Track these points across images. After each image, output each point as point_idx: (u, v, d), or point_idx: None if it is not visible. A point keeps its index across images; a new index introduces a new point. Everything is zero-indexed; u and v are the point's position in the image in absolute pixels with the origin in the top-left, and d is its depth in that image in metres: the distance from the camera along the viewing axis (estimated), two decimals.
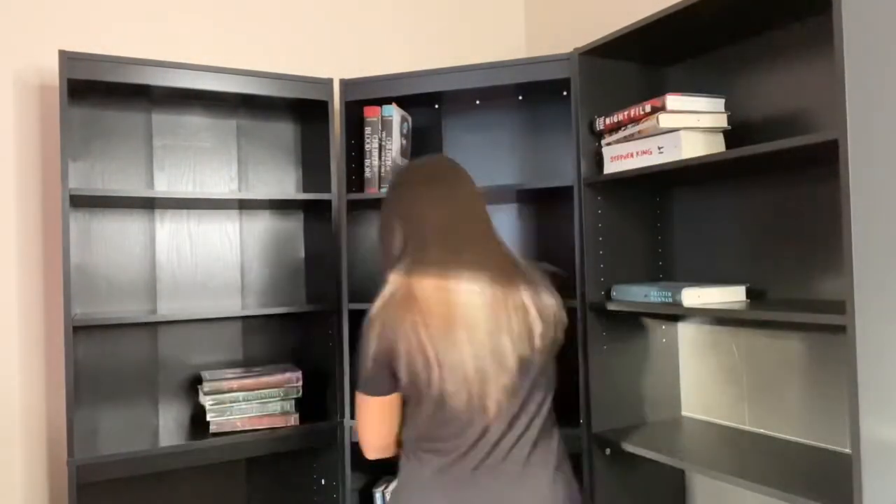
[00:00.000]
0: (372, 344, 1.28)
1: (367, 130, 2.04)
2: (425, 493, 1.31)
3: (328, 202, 2.02)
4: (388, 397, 1.32)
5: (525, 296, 1.30)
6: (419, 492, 1.32)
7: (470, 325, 1.24)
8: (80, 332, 1.85)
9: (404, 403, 1.34)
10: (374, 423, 1.35)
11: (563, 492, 1.33)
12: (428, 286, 1.26)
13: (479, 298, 1.25)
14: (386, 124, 2.01)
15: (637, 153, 1.67)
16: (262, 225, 2.19)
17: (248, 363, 2.11)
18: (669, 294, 1.56)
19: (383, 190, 2.01)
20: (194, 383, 2.05)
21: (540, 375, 1.34)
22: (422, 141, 2.19)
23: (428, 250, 1.29)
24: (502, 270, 1.30)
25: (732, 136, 1.62)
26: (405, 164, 1.45)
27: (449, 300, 1.25)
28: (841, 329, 1.17)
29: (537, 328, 1.30)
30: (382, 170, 2.01)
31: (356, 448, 2.01)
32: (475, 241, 1.31)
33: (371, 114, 2.04)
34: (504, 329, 1.26)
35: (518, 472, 1.30)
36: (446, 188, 1.34)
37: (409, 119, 2.12)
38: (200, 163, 2.11)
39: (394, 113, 2.01)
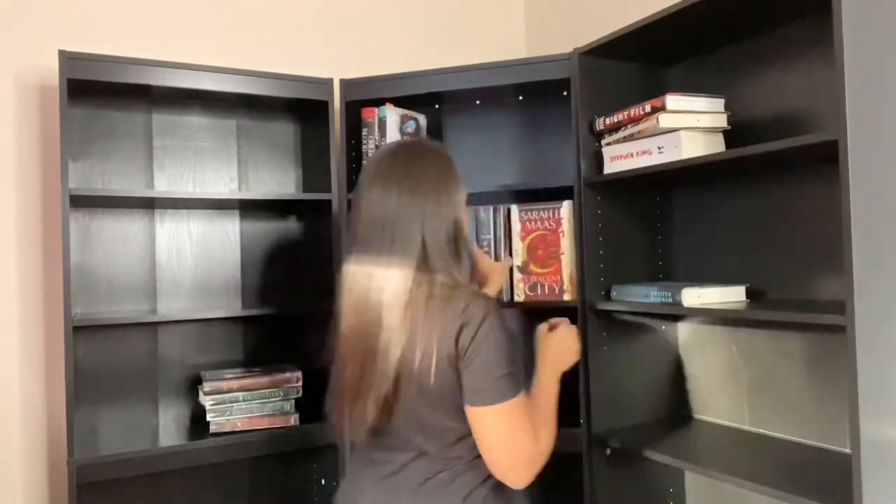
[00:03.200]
0: None
1: (364, 131, 2.04)
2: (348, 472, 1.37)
3: (328, 202, 2.02)
4: None
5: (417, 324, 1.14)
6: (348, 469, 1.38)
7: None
8: (80, 332, 1.85)
9: None
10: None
11: None
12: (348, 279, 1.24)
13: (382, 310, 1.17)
14: (381, 125, 2.01)
15: (637, 153, 1.67)
16: (261, 225, 2.19)
17: (248, 363, 2.11)
18: (669, 294, 1.56)
19: None
20: (194, 383, 2.05)
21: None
22: None
23: (357, 246, 1.24)
24: (395, 290, 1.16)
25: (732, 136, 1.62)
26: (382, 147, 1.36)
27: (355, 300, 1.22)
28: (841, 329, 1.16)
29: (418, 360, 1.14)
30: None
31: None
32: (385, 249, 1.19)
33: (368, 115, 2.04)
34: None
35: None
36: (387, 183, 1.21)
37: (420, 118, 2.11)
38: (200, 163, 2.10)
39: (388, 113, 2.01)
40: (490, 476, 1.20)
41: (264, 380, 1.94)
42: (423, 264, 1.18)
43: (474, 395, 1.14)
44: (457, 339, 1.13)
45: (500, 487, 1.22)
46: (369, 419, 1.18)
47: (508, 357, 1.15)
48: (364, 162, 2.04)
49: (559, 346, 1.36)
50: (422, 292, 1.16)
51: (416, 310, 1.15)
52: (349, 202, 2.05)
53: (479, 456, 1.19)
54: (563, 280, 1.87)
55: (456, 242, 1.22)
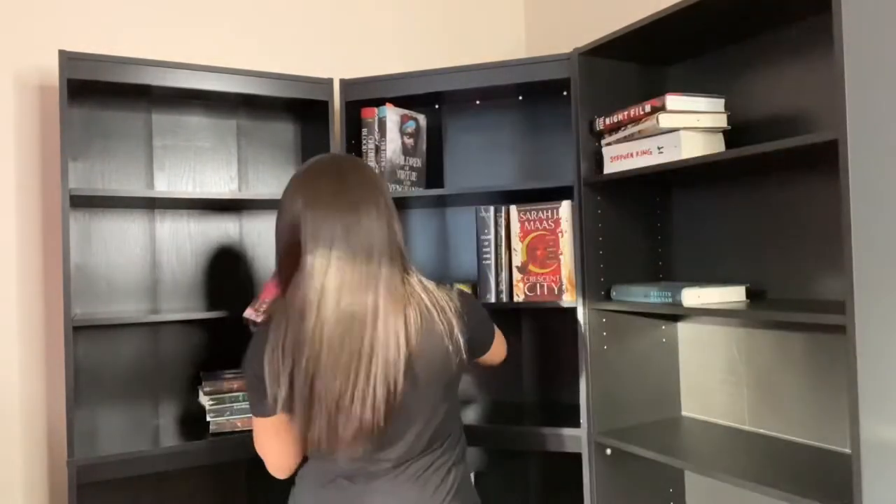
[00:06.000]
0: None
1: (364, 131, 2.04)
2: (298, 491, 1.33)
3: None
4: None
5: (407, 320, 1.16)
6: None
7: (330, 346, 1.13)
8: (80, 332, 1.85)
9: None
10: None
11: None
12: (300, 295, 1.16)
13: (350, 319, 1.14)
14: (381, 125, 2.02)
15: (637, 153, 1.67)
16: (262, 225, 2.19)
17: None
18: (669, 294, 1.56)
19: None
20: (194, 383, 2.05)
21: (420, 411, 1.21)
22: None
23: (315, 258, 1.16)
24: (388, 290, 1.16)
25: (732, 136, 1.62)
26: (304, 164, 1.30)
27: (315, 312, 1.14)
28: (841, 329, 1.16)
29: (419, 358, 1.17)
30: (378, 170, 2.02)
31: None
32: (359, 257, 1.17)
33: (368, 115, 2.04)
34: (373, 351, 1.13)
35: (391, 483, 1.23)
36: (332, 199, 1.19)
37: (420, 118, 2.12)
38: (200, 163, 2.11)
39: (388, 113, 2.01)
40: (460, 456, 1.32)
41: None
42: (400, 267, 1.21)
43: (486, 342, 1.37)
44: (464, 320, 1.24)
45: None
46: (376, 420, 1.14)
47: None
48: (368, 161, 2.03)
49: None
50: (415, 286, 1.21)
51: (420, 301, 1.19)
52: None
53: (452, 441, 1.30)
54: (562, 280, 1.87)
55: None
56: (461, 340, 1.21)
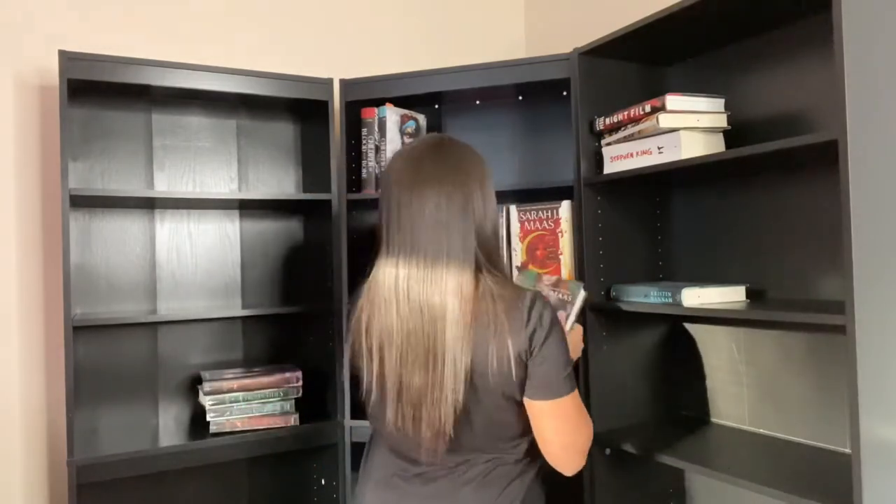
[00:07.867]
0: None
1: (364, 131, 2.04)
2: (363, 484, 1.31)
3: (328, 202, 2.02)
4: None
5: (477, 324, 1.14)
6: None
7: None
8: (80, 332, 1.85)
9: None
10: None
11: None
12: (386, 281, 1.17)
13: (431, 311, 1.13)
14: (381, 125, 2.02)
15: (637, 153, 1.67)
16: (262, 225, 2.19)
17: (248, 363, 2.11)
18: (669, 294, 1.56)
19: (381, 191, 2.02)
20: (194, 383, 2.05)
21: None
22: None
23: (390, 246, 1.19)
24: (456, 290, 1.14)
25: (732, 136, 1.62)
26: (407, 144, 1.30)
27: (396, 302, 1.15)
28: (841, 329, 1.16)
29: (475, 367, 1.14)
30: (378, 171, 2.02)
31: (356, 448, 2.01)
32: (436, 252, 1.16)
33: (368, 115, 2.04)
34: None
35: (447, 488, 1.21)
36: (419, 185, 1.18)
37: (420, 118, 2.12)
38: (200, 163, 2.11)
39: (388, 113, 2.01)
40: (536, 474, 1.26)
41: (264, 380, 1.94)
42: (478, 264, 1.18)
43: (542, 391, 1.16)
44: (530, 339, 1.14)
45: (541, 486, 1.30)
46: (448, 424, 1.12)
47: (569, 359, 1.20)
48: (369, 161, 2.04)
49: (574, 343, 1.40)
50: (486, 293, 1.16)
51: (483, 311, 1.14)
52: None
53: (528, 454, 1.24)
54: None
55: (497, 238, 1.25)
56: (511, 366, 1.13)
